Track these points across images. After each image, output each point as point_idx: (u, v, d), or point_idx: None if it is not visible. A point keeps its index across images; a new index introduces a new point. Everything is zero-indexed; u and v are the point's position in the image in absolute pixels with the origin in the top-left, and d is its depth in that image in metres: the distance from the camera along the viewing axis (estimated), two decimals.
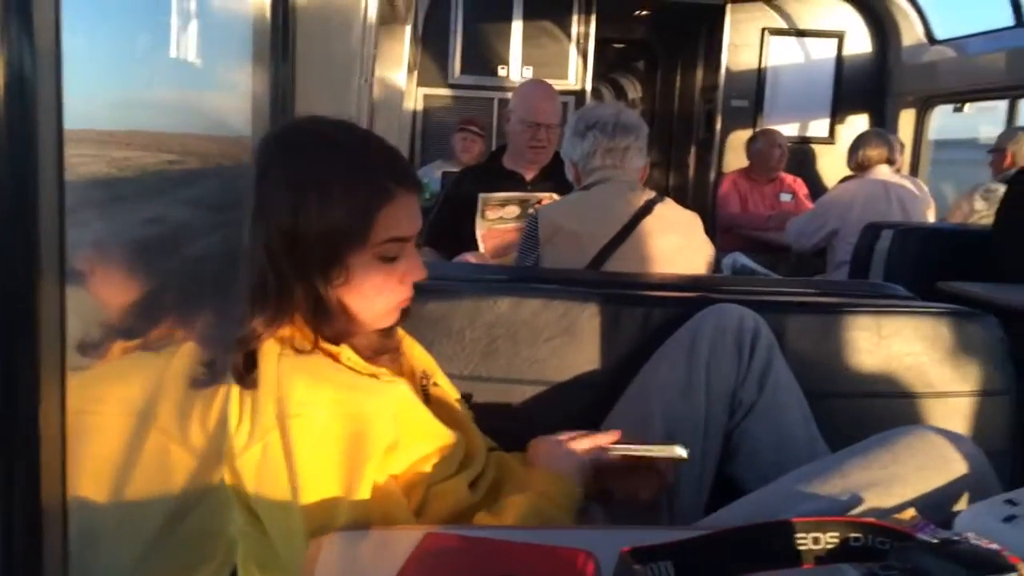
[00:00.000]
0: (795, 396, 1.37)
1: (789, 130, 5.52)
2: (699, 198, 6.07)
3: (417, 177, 1.11)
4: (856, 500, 0.97)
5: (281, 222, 0.98)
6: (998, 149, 4.02)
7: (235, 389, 0.99)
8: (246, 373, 0.98)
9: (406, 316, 1.11)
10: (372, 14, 1.82)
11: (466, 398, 1.27)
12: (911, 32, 5.53)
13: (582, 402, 1.46)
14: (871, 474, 0.99)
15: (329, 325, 1.02)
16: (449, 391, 1.22)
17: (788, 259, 4.41)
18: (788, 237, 4.22)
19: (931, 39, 5.44)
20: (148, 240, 1.14)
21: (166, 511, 1.12)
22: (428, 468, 1.04)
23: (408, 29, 4.09)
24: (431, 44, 5.53)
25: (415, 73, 5.48)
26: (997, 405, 1.44)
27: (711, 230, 5.20)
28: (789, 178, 5.05)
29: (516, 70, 5.58)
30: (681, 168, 6.51)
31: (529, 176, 2.79)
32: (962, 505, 0.97)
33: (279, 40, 1.49)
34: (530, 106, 2.79)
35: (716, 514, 1.14)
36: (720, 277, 1.84)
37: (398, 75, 4.18)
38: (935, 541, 0.65)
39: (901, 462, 0.99)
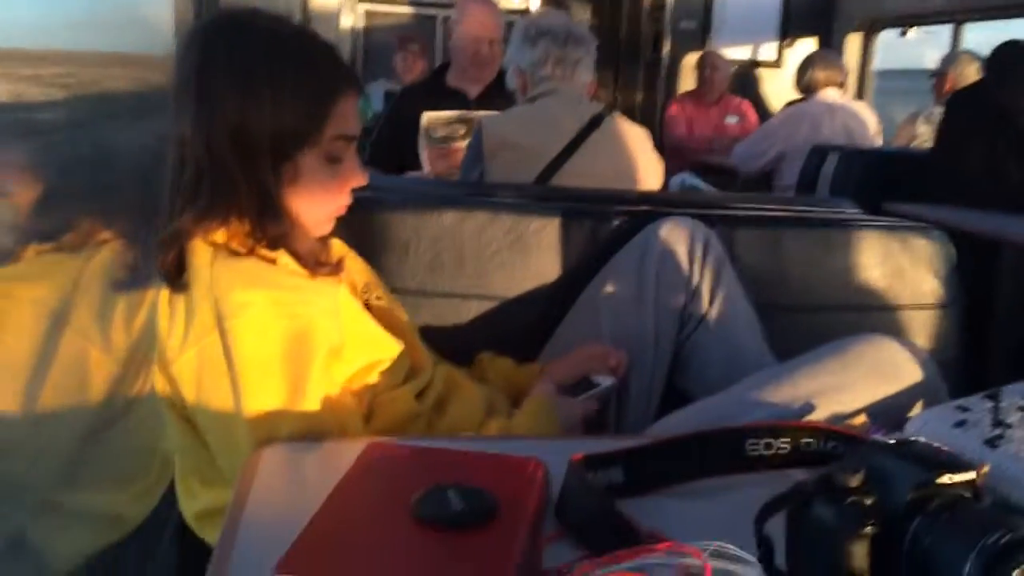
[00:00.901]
0: (745, 309, 1.36)
1: (737, 53, 5.48)
2: (647, 120, 6.01)
3: (357, 75, 1.05)
4: (807, 407, 0.97)
5: (228, 116, 0.92)
6: (939, 73, 4.03)
7: (164, 292, 0.93)
8: (176, 274, 0.92)
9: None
10: None
11: (411, 313, 1.23)
12: None
13: (530, 317, 1.43)
14: (822, 381, 0.98)
15: (272, 227, 0.97)
16: (391, 304, 1.18)
17: (735, 182, 4.42)
18: (735, 160, 4.21)
19: None
20: (60, 144, 1.06)
21: (88, 421, 1.06)
22: (373, 377, 1.00)
23: None
24: None
25: None
26: (945, 317, 1.45)
27: (661, 151, 5.23)
28: (736, 100, 5.03)
29: None
30: (629, 90, 6.44)
31: (474, 93, 2.72)
32: (914, 412, 0.96)
33: None
34: (473, 20, 2.71)
35: (665, 419, 1.12)
36: (670, 193, 1.81)
37: None
38: (890, 442, 0.63)
39: (852, 369, 0.98)
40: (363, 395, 0.99)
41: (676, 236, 1.35)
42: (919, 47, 5.71)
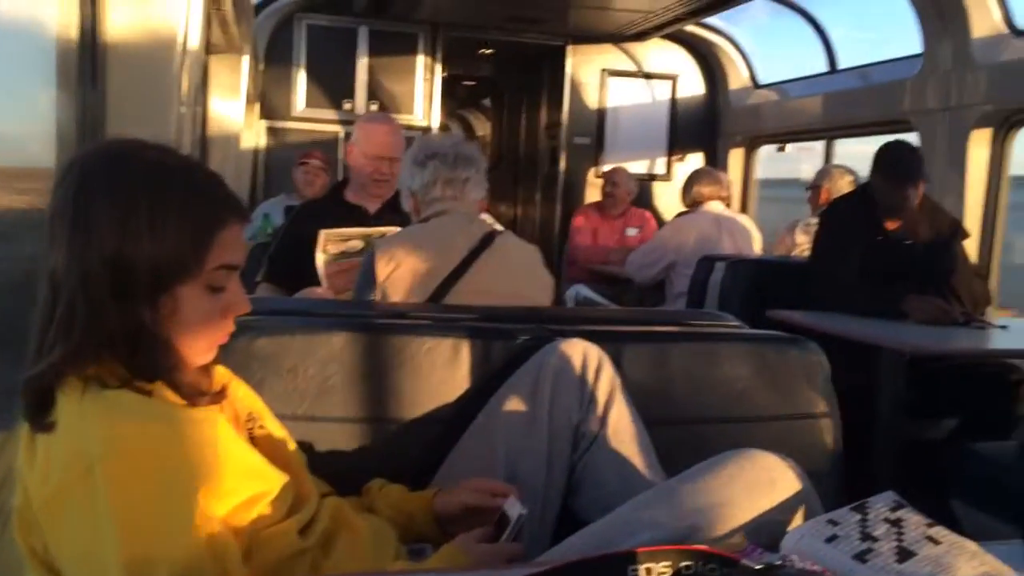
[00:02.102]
0: (636, 426, 1.38)
1: (630, 167, 5.73)
2: (547, 231, 6.19)
3: (243, 204, 1.05)
4: (690, 525, 0.98)
5: (105, 247, 0.90)
6: (815, 186, 4.30)
7: (25, 433, 0.89)
8: (41, 414, 0.88)
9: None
10: (194, 39, 1.74)
11: (300, 442, 1.21)
12: (738, 76, 5.89)
13: (423, 441, 1.41)
14: (704, 498, 1.00)
15: (147, 360, 0.94)
16: (277, 433, 1.15)
17: (631, 291, 4.54)
18: (629, 270, 4.35)
19: (755, 83, 5.81)
20: None
21: None
22: (253, 513, 0.96)
23: (246, 59, 3.96)
24: (273, 76, 5.39)
25: (256, 105, 5.32)
26: (820, 427, 1.51)
27: (559, 262, 5.35)
28: (639, 212, 5.24)
29: (361, 105, 5.53)
30: (528, 203, 6.63)
31: (373, 209, 2.75)
32: (791, 525, 0.99)
33: (87, 64, 1.38)
34: (373, 139, 2.75)
35: (556, 547, 1.12)
36: (562, 309, 1.86)
37: (234, 106, 4.03)
38: (758, 567, 0.65)
39: (731, 485, 1.01)
40: (244, 531, 0.96)
41: (570, 358, 1.37)
42: (796, 160, 6.11)
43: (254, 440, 1.08)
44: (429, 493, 1.26)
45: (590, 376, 1.36)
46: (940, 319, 2.75)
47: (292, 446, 1.15)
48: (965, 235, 3.15)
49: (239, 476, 0.96)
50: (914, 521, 0.89)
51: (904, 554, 0.83)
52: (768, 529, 0.95)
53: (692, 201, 4.31)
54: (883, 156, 3.04)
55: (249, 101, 4.56)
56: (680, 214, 4.54)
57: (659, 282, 4.29)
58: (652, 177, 6.08)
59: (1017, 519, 1.80)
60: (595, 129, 6.01)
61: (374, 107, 5.51)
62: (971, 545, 0.84)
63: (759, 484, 1.01)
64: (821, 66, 5.19)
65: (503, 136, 7.92)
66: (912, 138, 4.05)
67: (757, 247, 4.25)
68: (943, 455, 2.48)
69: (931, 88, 3.98)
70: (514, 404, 1.36)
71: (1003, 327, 2.80)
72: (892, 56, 4.51)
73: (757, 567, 0.67)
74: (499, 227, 2.71)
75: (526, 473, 1.32)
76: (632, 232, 5.12)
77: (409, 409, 1.43)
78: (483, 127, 9.64)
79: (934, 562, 0.82)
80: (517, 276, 1.92)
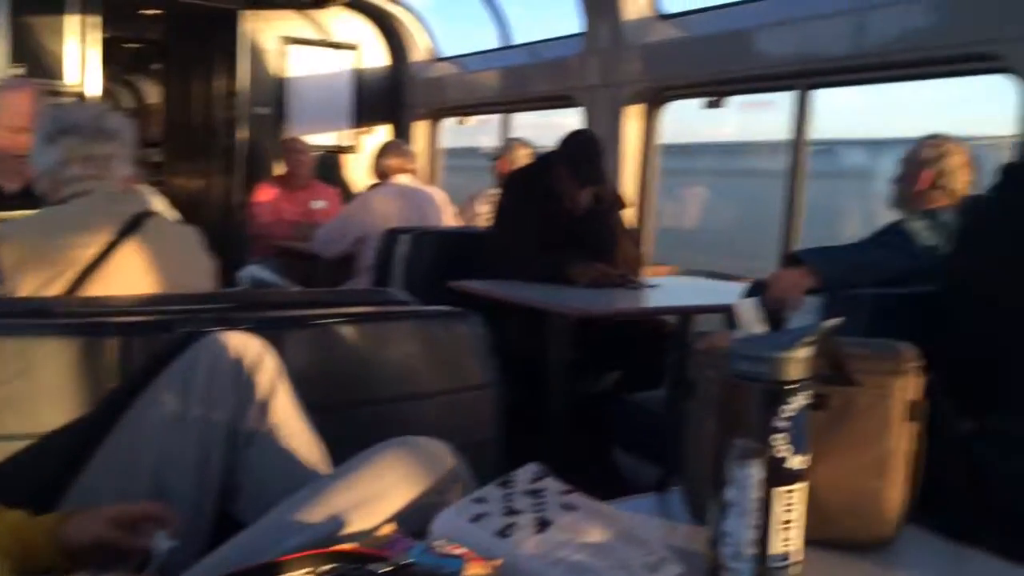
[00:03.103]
0: (300, 418, 1.31)
1: (316, 139, 5.58)
2: (226, 207, 5.86)
3: None
4: (341, 524, 0.94)
5: None
6: (495, 157, 4.47)
7: None
8: None
9: None
10: None
11: None
12: (420, 48, 5.93)
13: (53, 457, 1.24)
14: (354, 495, 0.96)
15: None
16: None
17: (319, 267, 4.44)
18: (315, 245, 4.24)
19: (437, 56, 5.89)
20: None
21: None
22: None
23: None
24: None
25: None
26: (486, 397, 1.54)
27: (240, 239, 5.08)
28: (322, 186, 5.11)
29: (1, 69, 4.83)
30: (206, 177, 6.21)
31: (13, 189, 2.42)
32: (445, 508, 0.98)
33: None
34: (10, 108, 2.43)
35: (205, 560, 1.03)
36: (221, 295, 1.72)
37: None
38: (385, 570, 0.62)
39: (383, 478, 0.98)
40: None
41: (226, 352, 1.26)
42: (490, 132, 6.30)
43: None
44: (53, 519, 1.09)
45: (248, 370, 1.26)
46: (602, 282, 2.98)
47: None
48: (624, 205, 3.43)
49: None
50: (553, 489, 0.92)
51: (542, 524, 0.86)
52: (420, 515, 0.93)
53: (380, 174, 4.29)
54: (571, 151, 3.16)
55: None
56: (369, 187, 4.50)
57: (348, 256, 4.24)
58: (341, 150, 5.97)
59: (668, 461, 1.98)
60: (276, 99, 5.77)
61: (19, 72, 4.84)
62: (605, 508, 0.89)
63: (412, 472, 1.00)
64: (497, 41, 5.38)
65: (176, 105, 7.34)
66: (577, 112, 4.34)
67: (448, 219, 4.33)
68: (606, 408, 2.69)
69: (592, 66, 4.28)
70: (162, 407, 1.23)
71: (654, 286, 3.10)
72: (559, 34, 4.77)
73: (386, 569, 0.65)
74: (164, 206, 2.50)
75: (176, 481, 1.20)
76: (319, 205, 5.00)
77: (35, 421, 1.24)
78: (156, 94, 8.88)
79: (569, 528, 0.85)
80: (171, 261, 1.76)
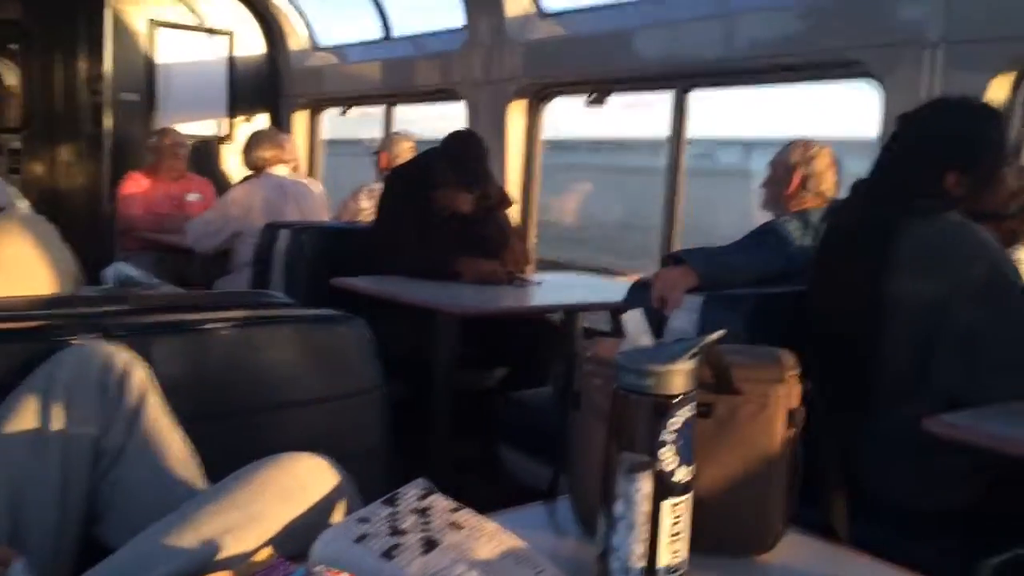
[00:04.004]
0: (172, 431, 1.23)
1: (189, 128, 5.35)
2: (91, 199, 5.54)
3: None
4: (215, 549, 0.89)
5: None
6: (378, 151, 4.39)
7: None
8: None
9: None
10: None
11: None
12: (298, 37, 5.76)
13: None
14: (228, 518, 0.91)
15: None
16: None
17: (193, 262, 4.26)
18: (188, 239, 4.06)
19: (315, 45, 5.74)
20: None
21: None
22: None
23: None
24: None
25: None
26: (371, 402, 1.50)
27: (106, 234, 4.82)
28: (197, 178, 4.90)
29: None
30: (69, 166, 5.85)
31: None
32: (327, 528, 0.94)
33: None
34: None
35: None
36: (81, 298, 1.61)
37: None
38: None
39: (259, 499, 0.93)
40: None
41: (88, 364, 1.17)
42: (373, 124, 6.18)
43: None
44: None
45: (114, 381, 1.18)
46: (489, 279, 2.98)
47: None
48: (510, 203, 3.44)
49: None
50: (440, 507, 0.90)
51: (429, 544, 0.83)
52: (301, 537, 0.89)
53: (254, 165, 4.14)
54: (453, 153, 3.14)
55: None
56: (244, 179, 4.34)
57: (224, 251, 4.08)
58: (220, 140, 5.74)
59: (552, 460, 1.99)
60: (145, 85, 5.49)
61: None
62: (490, 525, 0.87)
63: (291, 492, 0.95)
64: (378, 32, 5.29)
65: (36, 89, 6.89)
66: (460, 107, 4.31)
67: (325, 213, 4.22)
68: (493, 405, 2.69)
69: (474, 61, 4.26)
70: (16, 425, 1.14)
71: (539, 283, 3.12)
72: (441, 28, 4.73)
73: None
74: (18, 198, 2.32)
75: (35, 505, 1.11)
76: (193, 198, 4.80)
77: None
78: (14, 77, 8.32)
79: (456, 548, 0.83)
80: (28, 260, 1.64)
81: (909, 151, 1.83)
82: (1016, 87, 2.53)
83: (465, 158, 3.11)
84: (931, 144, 1.80)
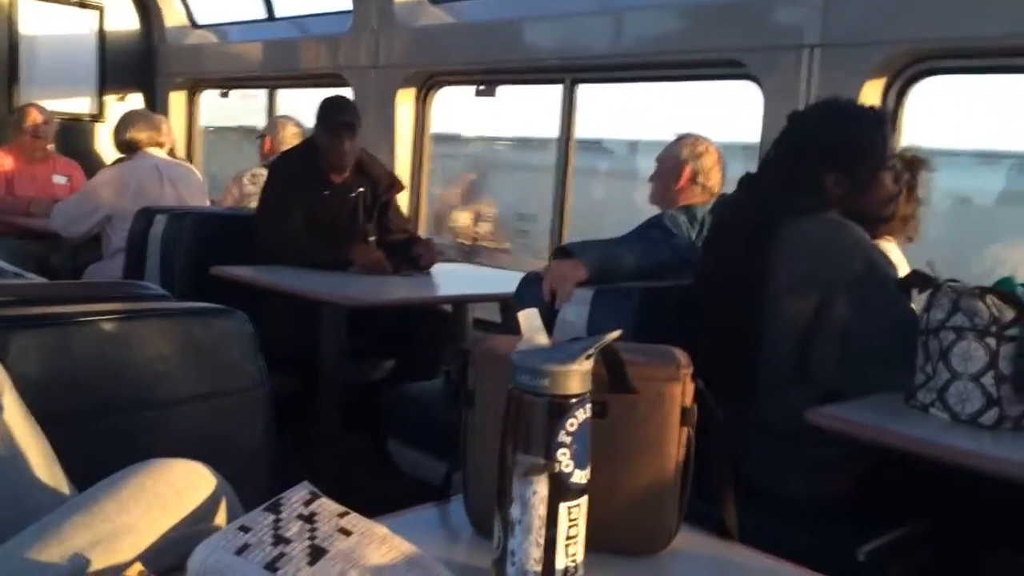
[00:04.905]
0: (33, 435, 1.14)
1: (56, 105, 5.03)
2: None
3: None
4: (82, 565, 0.82)
5: None
6: (262, 135, 4.24)
7: None
8: None
9: None
10: None
11: None
12: (174, 13, 5.50)
13: None
14: (95, 531, 0.84)
15: None
16: None
17: (61, 248, 4.01)
18: (56, 224, 3.82)
19: (193, 23, 5.50)
20: None
21: None
22: None
23: None
24: None
25: None
26: (253, 399, 1.44)
27: None
28: (64, 159, 4.62)
29: None
30: None
31: None
32: (206, 537, 0.89)
33: None
34: None
35: None
36: None
37: None
38: None
39: (129, 510, 0.87)
40: None
41: None
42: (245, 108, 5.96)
43: None
44: None
45: None
46: (379, 268, 2.92)
47: None
48: (400, 188, 3.38)
49: None
50: (327, 512, 0.85)
51: (316, 553, 0.79)
52: (176, 549, 0.84)
53: (126, 146, 3.92)
54: (321, 110, 3.11)
55: None
56: (117, 161, 4.11)
57: (95, 237, 3.86)
58: (91, 119, 5.42)
59: (442, 455, 1.97)
60: (7, 59, 5.13)
61: None
62: (380, 530, 0.83)
63: (164, 501, 0.89)
64: (260, 12, 5.10)
65: None
66: (347, 92, 4.21)
67: (204, 198, 4.05)
68: (382, 398, 2.63)
69: (361, 46, 4.16)
70: None
71: (429, 274, 3.08)
72: (325, 10, 4.61)
73: None
74: None
75: None
76: (61, 180, 4.52)
77: None
78: None
79: (345, 556, 0.79)
80: None
81: (793, 149, 1.88)
82: (887, 91, 2.65)
83: (331, 109, 3.09)
84: (814, 144, 1.86)
